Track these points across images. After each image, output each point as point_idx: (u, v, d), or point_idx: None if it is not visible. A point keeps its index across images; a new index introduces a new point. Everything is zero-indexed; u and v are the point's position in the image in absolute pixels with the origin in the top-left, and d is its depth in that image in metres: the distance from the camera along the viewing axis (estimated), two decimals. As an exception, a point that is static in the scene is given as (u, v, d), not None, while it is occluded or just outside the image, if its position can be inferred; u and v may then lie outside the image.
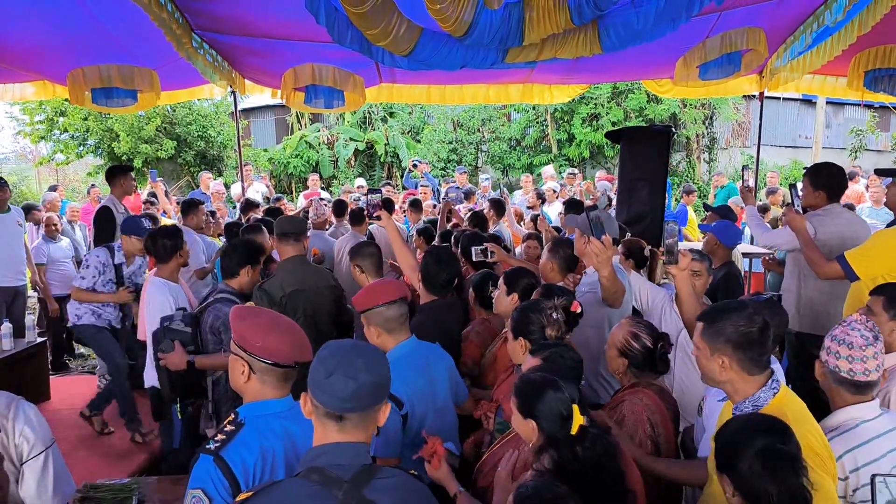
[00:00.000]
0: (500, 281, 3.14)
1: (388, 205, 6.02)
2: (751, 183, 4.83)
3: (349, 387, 1.43)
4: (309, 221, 5.71)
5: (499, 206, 6.10)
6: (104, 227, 5.20)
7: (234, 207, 8.52)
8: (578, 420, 1.68)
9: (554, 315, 2.40)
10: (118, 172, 5.44)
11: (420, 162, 9.49)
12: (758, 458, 1.49)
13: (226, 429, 1.76)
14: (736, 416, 1.72)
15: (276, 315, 1.93)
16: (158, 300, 3.49)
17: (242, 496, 1.42)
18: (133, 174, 5.55)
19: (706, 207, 5.48)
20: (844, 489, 1.88)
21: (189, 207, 5.42)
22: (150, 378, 3.55)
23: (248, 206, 6.46)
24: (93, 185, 9.70)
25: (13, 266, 5.50)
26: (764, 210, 6.26)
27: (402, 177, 14.03)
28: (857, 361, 1.91)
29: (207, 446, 1.70)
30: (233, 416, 1.82)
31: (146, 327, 3.51)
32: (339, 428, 1.46)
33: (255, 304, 3.23)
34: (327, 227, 6.21)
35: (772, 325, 2.39)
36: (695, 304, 2.46)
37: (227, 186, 9.67)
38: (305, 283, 3.40)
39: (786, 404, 1.80)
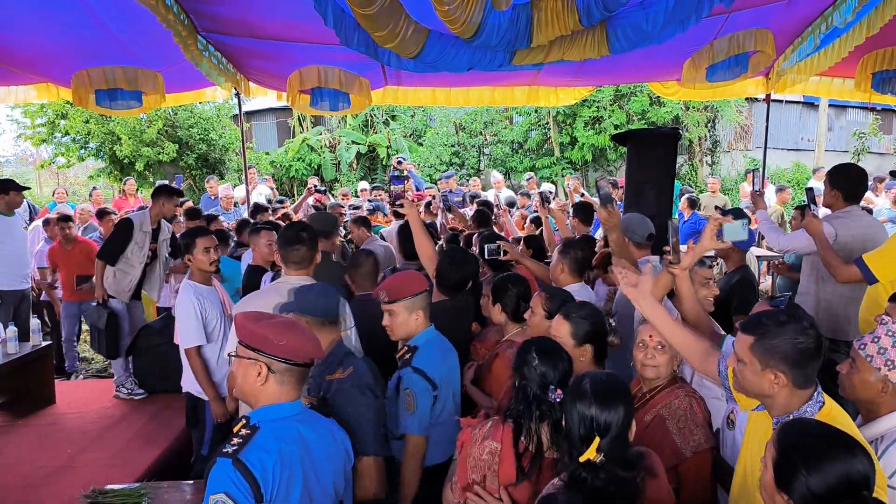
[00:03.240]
0: (486, 290, 3.12)
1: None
2: (759, 186, 4.81)
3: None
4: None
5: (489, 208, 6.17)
6: (118, 237, 4.87)
7: (236, 207, 8.53)
8: (590, 454, 1.61)
9: (612, 322, 2.37)
10: (164, 192, 5.09)
11: (404, 159, 9.51)
12: (838, 485, 1.34)
13: (240, 433, 1.73)
14: (799, 423, 1.54)
15: (286, 317, 1.97)
16: (183, 302, 3.51)
17: None
18: (178, 199, 5.21)
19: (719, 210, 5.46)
20: None
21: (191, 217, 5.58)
22: (187, 383, 3.56)
23: (257, 210, 6.41)
24: (94, 188, 9.70)
25: (20, 269, 5.51)
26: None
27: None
28: None
29: (224, 450, 1.68)
30: (244, 420, 1.79)
31: (179, 330, 3.53)
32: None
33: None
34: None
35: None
36: (695, 305, 2.41)
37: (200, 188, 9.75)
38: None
39: (835, 418, 1.68)
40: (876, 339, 1.89)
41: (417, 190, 8.71)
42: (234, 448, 1.67)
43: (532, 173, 11.30)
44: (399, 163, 9.21)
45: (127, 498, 2.67)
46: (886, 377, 1.86)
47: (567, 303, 2.61)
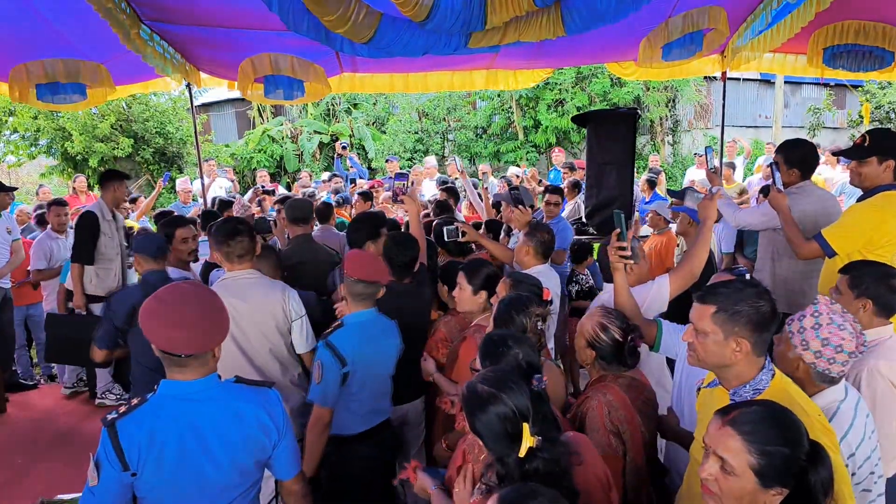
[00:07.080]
0: (461, 277, 3.05)
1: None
2: (716, 163, 4.84)
3: None
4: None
5: (453, 194, 6.23)
6: (85, 234, 4.63)
7: (195, 201, 8.29)
8: (528, 441, 1.54)
9: (539, 325, 2.32)
10: (113, 177, 4.91)
11: (346, 145, 9.45)
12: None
13: (132, 402, 1.78)
14: (753, 415, 1.47)
15: (182, 301, 1.76)
16: None
17: None
18: (127, 182, 4.98)
19: (671, 193, 5.47)
20: None
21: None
22: None
23: (223, 206, 6.09)
24: (41, 186, 9.37)
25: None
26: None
27: (369, 168, 13.89)
28: (838, 364, 1.86)
29: (108, 415, 1.73)
30: (155, 388, 1.81)
31: None
32: None
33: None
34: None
35: None
36: (630, 297, 2.48)
37: (173, 180, 9.43)
38: (307, 257, 4.03)
39: (787, 384, 1.75)
40: (801, 318, 1.93)
41: (361, 178, 8.70)
42: (114, 416, 1.72)
43: (455, 159, 11.38)
44: (343, 148, 9.15)
45: (76, 508, 2.58)
46: (801, 356, 1.90)
47: (535, 288, 2.60)
